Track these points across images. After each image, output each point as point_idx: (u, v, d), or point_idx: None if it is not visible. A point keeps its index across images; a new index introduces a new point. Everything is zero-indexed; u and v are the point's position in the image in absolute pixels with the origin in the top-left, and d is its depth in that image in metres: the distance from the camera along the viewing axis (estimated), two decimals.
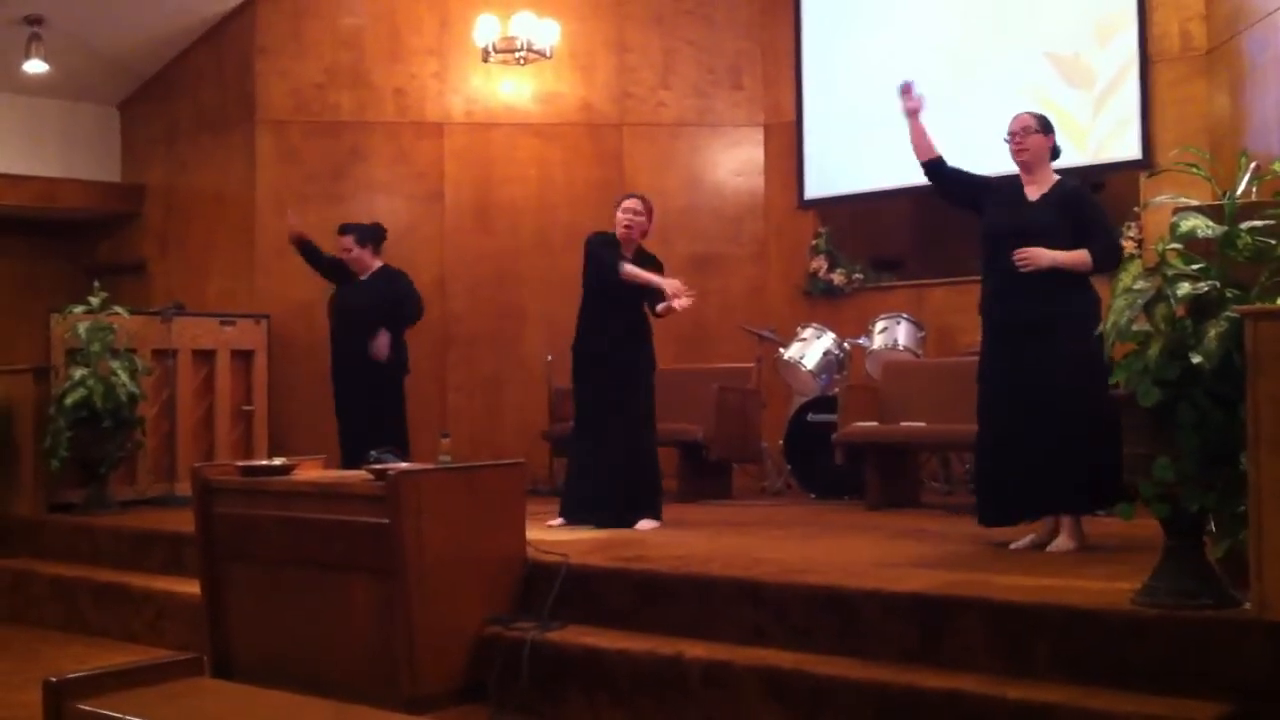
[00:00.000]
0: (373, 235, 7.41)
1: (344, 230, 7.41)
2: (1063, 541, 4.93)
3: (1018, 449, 4.93)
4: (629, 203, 6.19)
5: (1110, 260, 4.86)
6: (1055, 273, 4.90)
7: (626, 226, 6.13)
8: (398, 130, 9.22)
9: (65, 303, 7.56)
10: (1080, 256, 4.90)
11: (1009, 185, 5.19)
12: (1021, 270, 4.89)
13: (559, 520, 6.11)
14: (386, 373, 7.27)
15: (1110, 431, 4.94)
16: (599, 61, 9.49)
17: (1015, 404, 4.95)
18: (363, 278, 7.37)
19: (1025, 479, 4.93)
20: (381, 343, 7.18)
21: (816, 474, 7.58)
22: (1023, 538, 5.07)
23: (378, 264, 7.40)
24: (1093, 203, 5.15)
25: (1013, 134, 5.10)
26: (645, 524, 6.04)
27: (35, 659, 5.65)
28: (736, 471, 8.09)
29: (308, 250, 7.48)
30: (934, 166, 5.30)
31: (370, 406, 7.19)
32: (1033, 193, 5.09)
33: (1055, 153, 5.16)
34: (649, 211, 6.21)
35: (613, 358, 6.10)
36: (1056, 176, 5.13)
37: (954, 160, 5.35)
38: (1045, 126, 5.12)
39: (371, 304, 7.25)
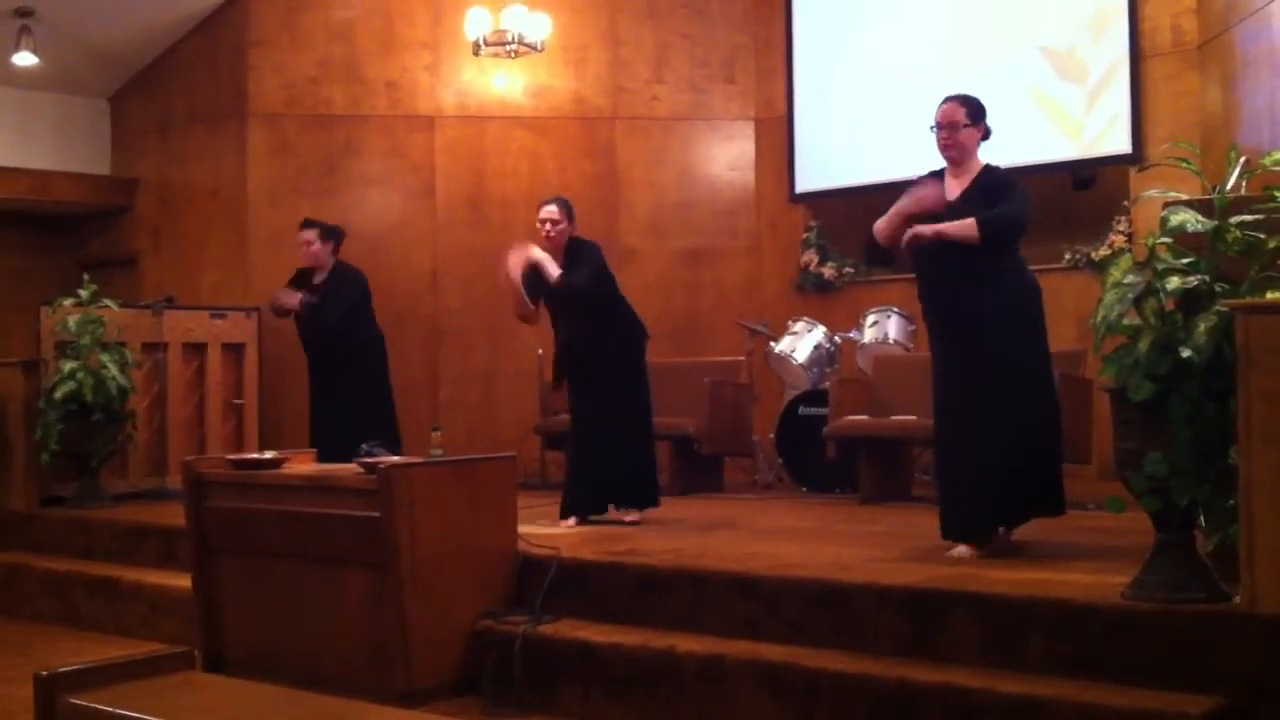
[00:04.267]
0: (334, 235, 7.37)
1: (308, 225, 7.39)
2: (963, 550, 4.68)
3: (964, 453, 4.71)
4: (546, 210, 6.01)
5: (1000, 231, 4.62)
6: (977, 262, 4.65)
7: (547, 235, 5.97)
8: (390, 124, 9.21)
9: (57, 296, 7.54)
10: (965, 227, 4.62)
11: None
12: (910, 245, 4.67)
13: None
14: (359, 370, 7.26)
15: (1046, 433, 4.72)
16: (591, 55, 9.47)
17: (954, 404, 4.75)
18: (316, 280, 7.34)
19: (977, 485, 4.65)
20: (289, 300, 7.20)
21: (808, 468, 7.59)
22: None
23: (332, 262, 7.36)
24: (1008, 182, 4.84)
25: (939, 126, 4.82)
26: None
27: (27, 653, 5.65)
28: (728, 465, 8.09)
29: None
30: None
31: (343, 406, 7.19)
32: (954, 189, 4.86)
33: (986, 134, 4.88)
34: (566, 215, 6.00)
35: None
36: (983, 164, 4.88)
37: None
38: (975, 116, 4.85)
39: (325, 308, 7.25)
